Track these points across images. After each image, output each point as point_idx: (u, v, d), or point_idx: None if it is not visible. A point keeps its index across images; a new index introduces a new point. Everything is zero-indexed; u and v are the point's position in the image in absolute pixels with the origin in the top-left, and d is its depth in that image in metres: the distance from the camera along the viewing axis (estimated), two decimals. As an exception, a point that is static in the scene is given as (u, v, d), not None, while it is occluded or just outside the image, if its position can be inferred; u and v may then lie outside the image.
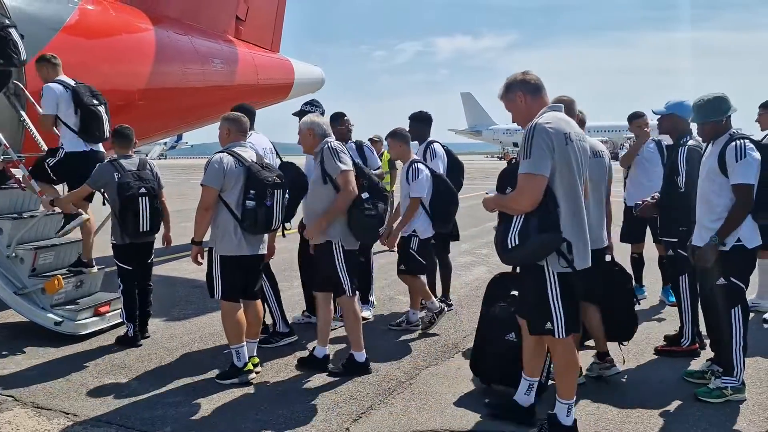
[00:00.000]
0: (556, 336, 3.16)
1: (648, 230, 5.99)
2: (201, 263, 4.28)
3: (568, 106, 3.59)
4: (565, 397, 3.25)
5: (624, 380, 4.18)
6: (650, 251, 6.18)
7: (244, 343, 4.20)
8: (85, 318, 5.20)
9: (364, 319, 5.39)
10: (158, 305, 5.53)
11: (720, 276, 3.72)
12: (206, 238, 4.24)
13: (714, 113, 3.73)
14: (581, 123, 4.04)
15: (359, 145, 5.76)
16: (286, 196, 4.23)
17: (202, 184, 4.10)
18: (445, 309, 5.51)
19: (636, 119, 6.10)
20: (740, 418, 3.59)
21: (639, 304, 5.62)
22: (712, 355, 4.17)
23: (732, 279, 3.71)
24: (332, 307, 4.50)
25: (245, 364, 4.18)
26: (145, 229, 4.83)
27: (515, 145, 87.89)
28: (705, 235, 3.73)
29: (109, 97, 5.65)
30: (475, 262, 8.55)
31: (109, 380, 4.25)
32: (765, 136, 5.57)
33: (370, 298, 5.89)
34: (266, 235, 4.35)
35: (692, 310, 4.63)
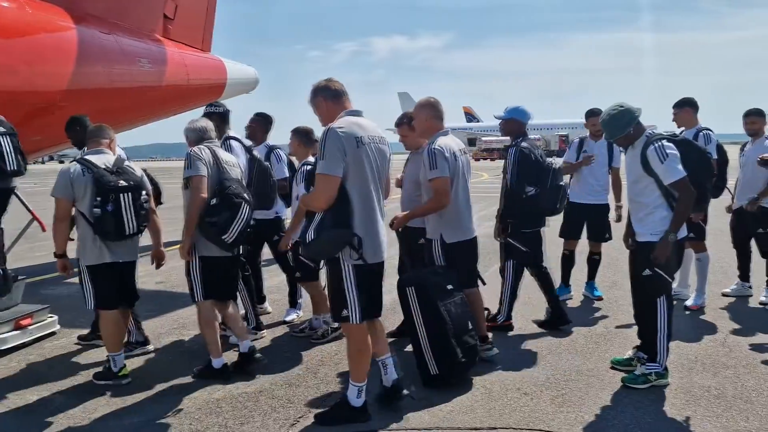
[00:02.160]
0: (351, 321, 3.46)
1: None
2: (67, 274, 4.30)
3: (434, 105, 4.34)
4: (357, 380, 3.53)
5: (557, 371, 4.29)
6: (612, 251, 6.37)
7: (121, 351, 4.28)
8: (5, 332, 4.93)
9: (285, 322, 5.58)
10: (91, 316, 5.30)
11: (645, 267, 3.89)
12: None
13: (620, 129, 3.90)
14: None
15: (269, 150, 5.60)
16: (142, 199, 4.17)
17: (52, 196, 4.09)
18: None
19: (591, 117, 6.08)
20: (664, 402, 3.75)
21: (566, 303, 5.84)
22: (639, 343, 4.33)
23: (657, 270, 3.87)
24: (216, 315, 4.34)
25: (120, 369, 4.24)
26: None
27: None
28: (640, 228, 3.96)
29: (28, 99, 5.35)
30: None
31: (34, 397, 4.05)
32: (680, 133, 5.88)
33: (299, 301, 5.85)
34: (134, 240, 4.26)
35: (512, 292, 5.18)
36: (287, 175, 5.60)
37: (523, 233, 5.05)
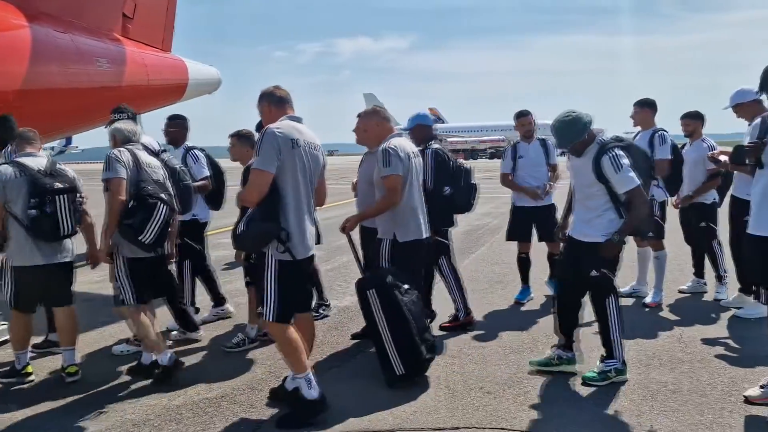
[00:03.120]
0: (266, 319, 3.56)
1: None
2: None
3: (378, 111, 4.52)
4: (298, 372, 3.57)
5: (520, 370, 4.34)
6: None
7: (27, 350, 4.38)
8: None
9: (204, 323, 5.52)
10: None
11: (592, 268, 3.97)
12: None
13: (576, 136, 3.93)
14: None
15: (186, 151, 5.52)
16: (78, 201, 4.21)
17: None
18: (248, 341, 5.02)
19: (521, 118, 6.19)
20: (623, 398, 3.83)
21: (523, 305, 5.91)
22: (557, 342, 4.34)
23: (603, 270, 3.96)
24: (145, 315, 4.25)
25: (23, 368, 4.33)
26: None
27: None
28: (588, 230, 4.01)
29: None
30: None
31: (-16, 407, 3.92)
32: (637, 134, 6.03)
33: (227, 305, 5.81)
34: (68, 242, 4.26)
35: (458, 287, 5.31)
36: (206, 173, 5.53)
37: (443, 231, 5.24)
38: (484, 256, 8.77)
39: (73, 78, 7.86)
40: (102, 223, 4.11)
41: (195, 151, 5.56)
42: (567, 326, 4.28)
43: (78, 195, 4.25)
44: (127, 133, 4.34)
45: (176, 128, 5.63)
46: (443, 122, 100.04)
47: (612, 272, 4.04)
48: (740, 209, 5.00)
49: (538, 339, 5.00)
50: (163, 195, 4.12)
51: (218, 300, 5.81)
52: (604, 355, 4.11)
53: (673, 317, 5.53)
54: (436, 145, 5.12)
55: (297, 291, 3.66)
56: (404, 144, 4.34)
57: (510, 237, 6.32)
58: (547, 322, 5.41)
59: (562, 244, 4.52)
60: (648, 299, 5.94)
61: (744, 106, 5.12)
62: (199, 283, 5.75)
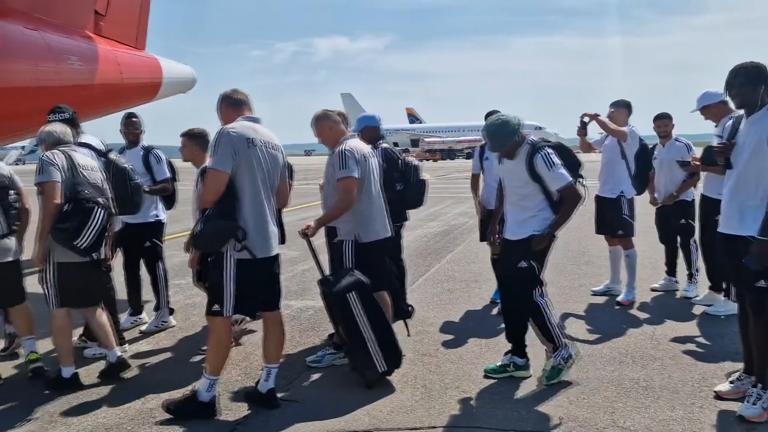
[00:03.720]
0: (224, 314, 3.60)
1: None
2: None
3: (329, 115, 4.39)
4: (211, 373, 3.64)
5: (460, 374, 4.37)
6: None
7: None
8: None
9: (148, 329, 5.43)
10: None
11: (521, 259, 4.00)
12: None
13: (509, 138, 3.95)
14: None
15: (147, 152, 5.43)
16: (10, 198, 4.21)
17: None
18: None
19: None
20: (596, 395, 3.87)
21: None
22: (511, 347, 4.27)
23: (532, 262, 4.00)
24: (69, 322, 4.20)
25: None
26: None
27: (396, 144, 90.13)
28: (519, 230, 4.04)
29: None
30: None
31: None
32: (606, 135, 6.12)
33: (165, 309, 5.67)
34: (7, 242, 4.25)
35: (401, 284, 5.30)
36: (168, 175, 5.48)
37: (396, 227, 5.21)
38: (460, 256, 8.82)
39: (43, 76, 7.71)
40: (36, 227, 4.03)
41: (156, 151, 5.49)
42: (514, 330, 4.24)
43: (12, 192, 4.16)
44: (57, 136, 4.25)
45: (135, 127, 5.51)
46: (421, 122, 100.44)
47: (540, 266, 4.07)
48: (711, 208, 5.09)
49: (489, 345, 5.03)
50: (100, 199, 4.05)
51: (137, 308, 5.66)
52: (549, 350, 4.12)
53: (645, 315, 5.62)
54: (384, 144, 5.18)
55: (257, 289, 3.68)
56: (360, 145, 4.36)
57: (483, 238, 6.35)
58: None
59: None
60: (620, 297, 6.02)
61: (710, 108, 5.23)
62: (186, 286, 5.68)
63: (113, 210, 4.22)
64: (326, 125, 4.39)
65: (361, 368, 4.12)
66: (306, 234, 4.18)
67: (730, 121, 3.81)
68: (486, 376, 4.18)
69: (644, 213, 6.30)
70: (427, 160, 62.43)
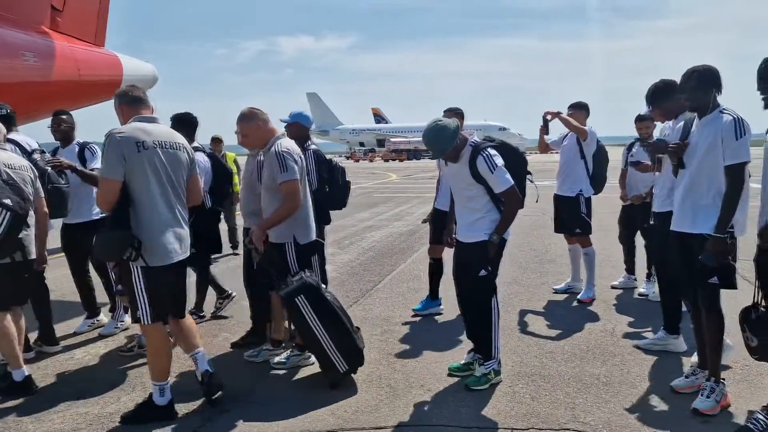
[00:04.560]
0: (143, 323, 3.57)
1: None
2: None
3: (256, 113, 4.21)
4: (157, 380, 3.62)
5: (425, 372, 4.41)
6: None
7: None
8: None
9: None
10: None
11: (481, 267, 3.97)
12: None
13: (449, 142, 3.85)
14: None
15: (81, 148, 5.29)
16: None
17: None
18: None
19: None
20: (558, 391, 3.94)
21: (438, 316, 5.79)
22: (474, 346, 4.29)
23: (490, 268, 4.01)
24: (6, 324, 4.01)
25: None
26: None
27: (362, 144, 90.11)
28: (472, 231, 4.00)
29: None
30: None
31: None
32: (566, 134, 6.22)
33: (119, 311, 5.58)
34: None
35: (324, 283, 5.31)
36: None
37: (321, 227, 5.28)
38: (425, 256, 8.79)
39: (-3, 72, 7.47)
40: None
41: (92, 145, 5.34)
42: (474, 328, 4.22)
43: None
44: None
45: (66, 125, 5.31)
46: (387, 122, 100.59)
47: (495, 271, 4.09)
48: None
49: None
50: (8, 201, 3.82)
51: (93, 311, 5.55)
52: (482, 357, 4.11)
53: (605, 312, 5.73)
54: (314, 146, 5.18)
55: (167, 294, 3.62)
56: (293, 146, 4.27)
57: (433, 240, 6.31)
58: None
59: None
60: (581, 295, 6.13)
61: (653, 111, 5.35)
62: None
63: (24, 211, 3.90)
64: (254, 125, 4.22)
65: (323, 370, 4.10)
66: (252, 242, 4.11)
67: (681, 123, 3.92)
68: (450, 375, 4.20)
69: (604, 212, 6.43)
70: (393, 160, 62.60)
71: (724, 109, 3.58)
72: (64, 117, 5.32)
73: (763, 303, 3.33)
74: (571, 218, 6.14)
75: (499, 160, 3.90)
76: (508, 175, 3.89)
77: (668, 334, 4.58)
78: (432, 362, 4.51)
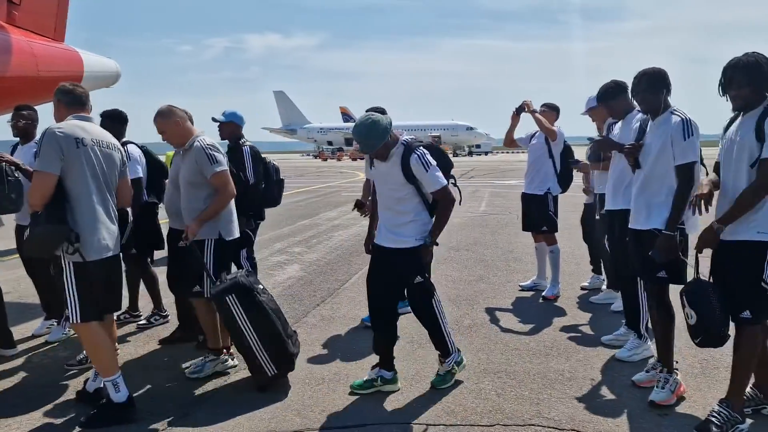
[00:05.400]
0: (72, 321, 3.53)
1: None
2: None
3: (174, 111, 4.15)
4: (106, 375, 3.56)
5: (426, 365, 4.42)
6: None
7: None
8: None
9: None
10: None
11: (416, 274, 3.89)
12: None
13: (380, 138, 3.72)
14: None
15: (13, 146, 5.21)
16: None
17: None
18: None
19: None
20: (523, 387, 3.98)
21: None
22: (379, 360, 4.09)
23: (425, 275, 3.95)
24: None
25: None
26: None
27: (330, 143, 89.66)
28: (402, 236, 3.84)
29: None
30: (289, 260, 8.52)
31: None
32: (534, 134, 6.31)
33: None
34: None
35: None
36: None
37: (255, 224, 5.36)
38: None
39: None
40: None
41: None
42: (382, 341, 4.07)
43: None
44: None
45: (24, 121, 5.12)
46: (354, 121, 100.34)
47: (429, 273, 4.04)
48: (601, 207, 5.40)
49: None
50: None
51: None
52: (441, 354, 4.06)
53: (569, 309, 5.82)
54: (249, 143, 5.19)
55: (99, 291, 3.58)
56: (214, 142, 4.21)
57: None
58: (455, 317, 5.56)
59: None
60: (546, 292, 6.22)
61: (596, 111, 5.46)
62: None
63: None
64: (172, 122, 4.16)
65: (251, 372, 4.02)
66: (186, 238, 4.01)
67: (637, 124, 4.02)
68: (352, 393, 3.95)
69: (570, 211, 6.53)
70: (362, 158, 62.52)
71: (674, 110, 3.70)
72: (24, 113, 5.13)
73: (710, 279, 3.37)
74: (539, 216, 6.22)
75: (433, 160, 3.81)
76: (441, 175, 3.80)
77: (629, 330, 4.66)
78: (399, 360, 4.49)
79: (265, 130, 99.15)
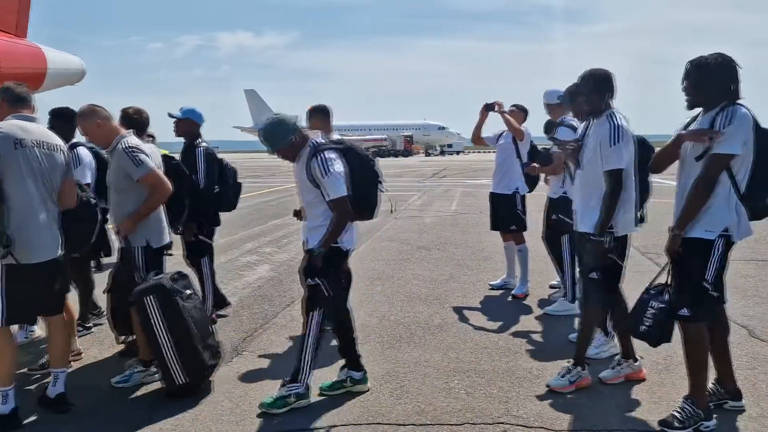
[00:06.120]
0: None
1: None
2: None
3: (96, 110, 3.97)
4: (0, 385, 3.46)
5: (397, 364, 4.42)
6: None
7: None
8: None
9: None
10: None
11: (312, 275, 3.71)
12: None
13: (283, 138, 3.63)
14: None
15: None
16: None
17: None
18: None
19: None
20: (492, 385, 4.01)
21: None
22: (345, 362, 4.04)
23: (318, 279, 3.71)
24: None
25: None
26: None
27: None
28: (310, 239, 3.75)
29: None
30: (259, 261, 8.44)
31: None
32: (501, 133, 6.35)
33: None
34: None
35: (214, 287, 5.38)
36: None
37: (210, 230, 5.31)
38: (364, 254, 8.86)
39: None
40: None
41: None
42: (342, 344, 3.99)
43: None
44: None
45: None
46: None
47: (328, 283, 3.71)
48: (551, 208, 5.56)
49: (415, 333, 5.13)
50: None
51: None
52: (287, 378, 3.76)
53: (538, 307, 5.88)
54: (204, 144, 5.08)
55: (33, 294, 3.52)
56: (140, 142, 4.08)
57: None
58: (425, 316, 5.57)
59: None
60: (515, 291, 6.28)
61: (558, 108, 5.54)
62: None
63: None
64: (93, 123, 3.96)
65: (161, 376, 3.92)
66: (118, 232, 3.93)
67: (584, 123, 4.11)
68: (321, 394, 3.89)
69: (539, 211, 6.60)
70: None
71: (612, 113, 3.76)
72: None
73: (671, 283, 3.43)
74: (508, 215, 6.27)
75: (337, 166, 3.57)
76: (342, 184, 3.57)
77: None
78: (370, 360, 4.47)
79: (236, 128, 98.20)
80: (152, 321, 3.81)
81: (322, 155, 3.59)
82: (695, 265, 3.26)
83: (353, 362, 3.99)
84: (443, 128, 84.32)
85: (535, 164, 5.61)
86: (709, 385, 3.51)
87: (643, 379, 4.00)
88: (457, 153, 79.73)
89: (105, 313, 5.25)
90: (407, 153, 72.21)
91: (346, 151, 3.72)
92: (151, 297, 3.80)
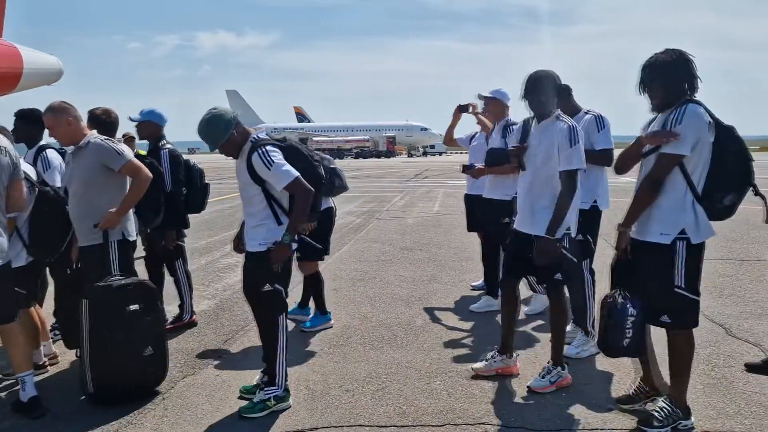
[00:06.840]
0: None
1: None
2: None
3: (66, 108, 3.89)
4: None
5: (379, 366, 4.41)
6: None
7: None
8: None
9: None
10: None
11: (266, 282, 3.61)
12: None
13: (222, 134, 3.51)
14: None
15: None
16: None
17: None
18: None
19: None
20: (474, 386, 4.01)
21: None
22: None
23: (276, 285, 3.63)
24: None
25: None
26: None
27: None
28: (250, 240, 3.65)
29: None
30: (239, 262, 8.32)
31: None
32: (474, 135, 6.36)
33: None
34: None
35: (189, 289, 5.43)
36: None
37: (181, 233, 5.33)
38: (347, 255, 8.85)
39: None
40: None
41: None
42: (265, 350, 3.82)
43: None
44: None
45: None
46: (309, 121, 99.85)
47: (285, 286, 3.69)
48: (490, 209, 5.49)
49: (396, 334, 5.12)
50: None
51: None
52: (265, 381, 3.74)
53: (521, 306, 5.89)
54: (169, 146, 5.02)
55: None
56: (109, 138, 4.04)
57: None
58: (407, 317, 5.57)
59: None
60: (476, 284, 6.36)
61: (495, 104, 5.52)
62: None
63: None
64: (63, 120, 3.88)
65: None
66: (98, 226, 3.82)
67: (520, 123, 4.12)
68: (240, 397, 3.86)
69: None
70: (316, 159, 61.96)
71: (560, 115, 3.80)
72: None
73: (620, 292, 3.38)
74: (483, 217, 6.25)
75: (278, 156, 3.49)
76: (289, 167, 3.47)
77: (576, 327, 4.74)
78: (351, 362, 4.49)
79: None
80: (81, 320, 3.69)
81: (263, 149, 3.49)
82: (660, 270, 3.21)
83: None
84: (426, 129, 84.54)
85: (480, 166, 5.53)
86: (633, 385, 3.65)
87: (517, 374, 4.12)
88: (440, 154, 79.97)
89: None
90: (390, 154, 72.26)
91: (287, 149, 3.63)
92: (86, 302, 3.67)
